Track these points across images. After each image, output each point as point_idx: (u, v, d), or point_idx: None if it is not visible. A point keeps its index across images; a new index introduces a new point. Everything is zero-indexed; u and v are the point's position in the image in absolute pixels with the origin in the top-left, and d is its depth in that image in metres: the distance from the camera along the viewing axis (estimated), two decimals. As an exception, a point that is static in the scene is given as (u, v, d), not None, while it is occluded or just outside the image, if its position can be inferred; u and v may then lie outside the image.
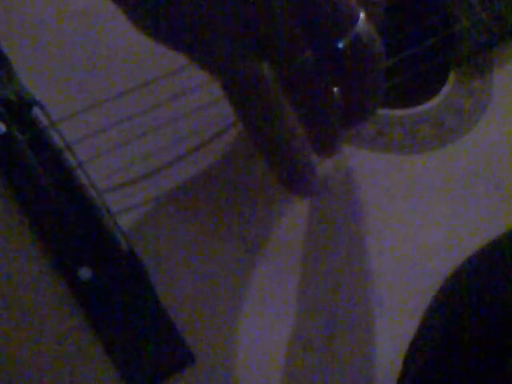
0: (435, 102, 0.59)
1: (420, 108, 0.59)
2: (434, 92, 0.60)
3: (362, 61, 0.49)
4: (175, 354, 0.49)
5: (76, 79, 0.55)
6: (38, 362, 0.48)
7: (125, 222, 0.51)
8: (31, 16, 0.57)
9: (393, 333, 0.51)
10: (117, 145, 0.53)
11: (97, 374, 0.48)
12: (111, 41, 0.56)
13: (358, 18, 0.48)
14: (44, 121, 0.53)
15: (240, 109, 0.49)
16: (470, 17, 0.61)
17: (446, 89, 0.60)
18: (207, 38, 0.47)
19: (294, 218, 0.54)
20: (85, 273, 0.49)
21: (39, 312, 0.49)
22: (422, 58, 0.60)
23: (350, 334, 0.51)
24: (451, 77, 0.60)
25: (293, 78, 0.48)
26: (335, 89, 0.50)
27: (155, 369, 0.48)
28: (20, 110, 0.53)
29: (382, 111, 0.58)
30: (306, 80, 0.48)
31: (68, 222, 0.51)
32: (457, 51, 0.61)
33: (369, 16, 0.48)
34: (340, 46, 0.48)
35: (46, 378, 0.48)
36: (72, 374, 0.48)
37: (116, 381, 0.48)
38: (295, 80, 0.48)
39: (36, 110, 0.53)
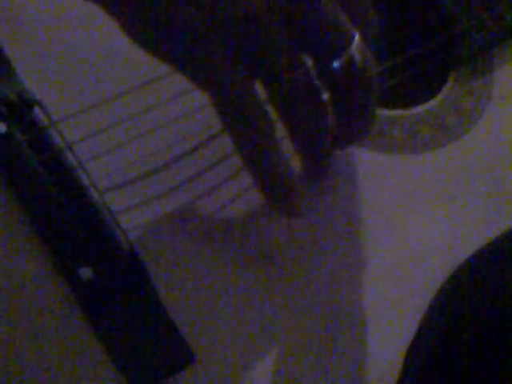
0: (435, 101, 0.59)
1: (420, 108, 0.59)
2: (435, 92, 0.60)
3: (356, 81, 0.49)
4: (175, 354, 0.49)
5: (76, 79, 0.56)
6: (39, 361, 0.48)
7: (125, 221, 0.51)
8: (31, 16, 0.57)
9: (393, 333, 0.51)
10: (118, 144, 0.53)
11: (97, 373, 0.48)
12: (111, 40, 0.56)
13: (352, 38, 0.48)
14: (45, 121, 0.53)
15: (229, 125, 0.49)
16: (471, 17, 0.61)
17: (446, 89, 0.60)
18: (200, 55, 0.47)
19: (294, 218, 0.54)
20: (85, 272, 0.50)
21: (40, 311, 0.49)
22: (423, 58, 0.61)
23: (349, 335, 0.51)
24: (451, 77, 0.60)
25: (286, 97, 0.49)
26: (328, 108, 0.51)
27: (156, 368, 0.48)
28: (21, 109, 0.53)
29: (382, 111, 0.58)
30: (299, 99, 0.49)
31: (68, 222, 0.51)
32: (457, 51, 0.61)
33: (363, 37, 0.49)
34: (334, 65, 0.48)
35: (46, 377, 0.48)
36: (72, 374, 0.48)
37: (116, 380, 0.48)
38: (288, 99, 0.49)
39: (36, 110, 0.53)
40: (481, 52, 0.61)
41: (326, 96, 0.50)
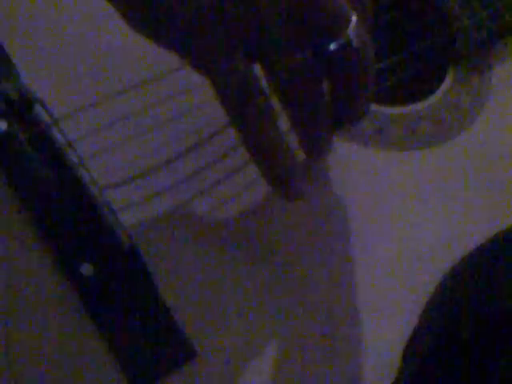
0: (434, 99, 0.59)
1: (419, 105, 0.59)
2: (433, 89, 0.60)
3: (353, 63, 0.49)
4: (176, 350, 0.49)
5: (77, 77, 0.56)
6: (40, 358, 0.48)
7: (126, 218, 0.52)
8: (32, 15, 0.57)
9: (392, 331, 0.51)
10: (118, 142, 0.53)
11: (98, 369, 0.48)
12: (112, 39, 0.56)
13: (350, 20, 0.48)
14: (45, 118, 0.53)
15: (230, 110, 0.49)
16: (470, 15, 0.61)
17: (444, 86, 0.60)
18: (200, 39, 0.47)
19: (293, 217, 0.54)
20: (87, 269, 0.50)
21: (41, 308, 0.49)
22: (422, 56, 0.61)
23: (349, 333, 0.51)
24: (450, 74, 0.61)
25: (284, 79, 0.49)
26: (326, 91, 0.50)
27: (156, 364, 0.49)
28: (21, 107, 0.53)
29: (381, 108, 0.58)
30: (297, 82, 0.49)
31: (70, 219, 0.51)
32: (456, 49, 0.61)
33: (362, 21, 0.49)
34: (332, 48, 0.48)
35: (47, 374, 0.48)
36: (74, 370, 0.48)
37: (117, 376, 0.48)
38: (286, 82, 0.49)
39: (37, 108, 0.53)
40: (479, 50, 0.61)
41: (324, 79, 0.50)
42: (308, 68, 0.48)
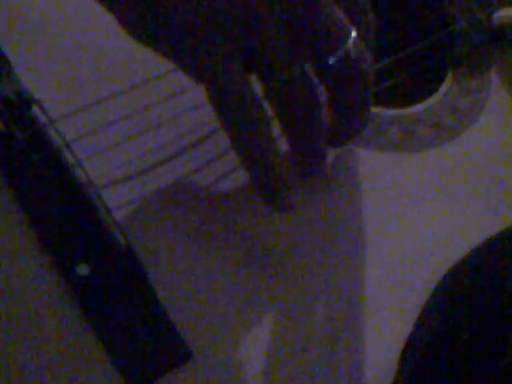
0: (433, 101, 0.59)
1: (418, 107, 0.59)
2: (432, 91, 0.60)
3: (350, 77, 0.49)
4: (173, 351, 0.49)
5: (74, 78, 0.56)
6: (37, 358, 0.48)
7: (123, 218, 0.51)
8: (31, 16, 0.57)
9: (392, 331, 0.51)
10: (115, 142, 0.53)
11: (95, 369, 0.48)
12: (110, 39, 0.56)
13: (349, 34, 0.48)
14: (43, 119, 0.53)
15: (224, 119, 0.49)
16: (468, 17, 0.61)
17: (443, 88, 0.60)
18: (198, 48, 0.47)
19: (294, 216, 0.54)
20: (83, 269, 0.50)
21: (38, 309, 0.49)
22: (421, 58, 0.61)
23: (349, 334, 0.51)
24: (449, 76, 0.61)
25: (280, 91, 0.49)
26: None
27: (153, 365, 0.49)
28: (19, 108, 0.53)
29: (380, 110, 0.58)
30: (294, 94, 0.49)
31: (66, 219, 0.51)
32: (455, 51, 0.61)
33: (362, 37, 0.49)
34: (331, 61, 0.48)
35: (44, 374, 0.48)
36: (70, 371, 0.48)
37: (114, 377, 0.48)
38: (283, 94, 0.49)
39: (35, 109, 0.53)
40: (478, 51, 0.61)
41: (321, 92, 0.50)
42: (306, 81, 0.49)
